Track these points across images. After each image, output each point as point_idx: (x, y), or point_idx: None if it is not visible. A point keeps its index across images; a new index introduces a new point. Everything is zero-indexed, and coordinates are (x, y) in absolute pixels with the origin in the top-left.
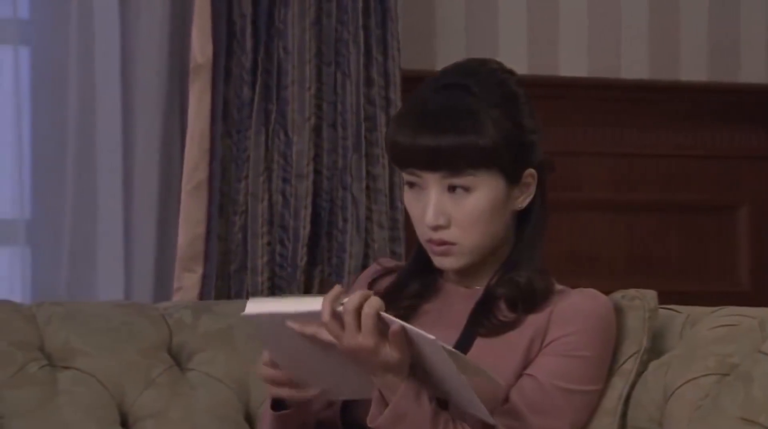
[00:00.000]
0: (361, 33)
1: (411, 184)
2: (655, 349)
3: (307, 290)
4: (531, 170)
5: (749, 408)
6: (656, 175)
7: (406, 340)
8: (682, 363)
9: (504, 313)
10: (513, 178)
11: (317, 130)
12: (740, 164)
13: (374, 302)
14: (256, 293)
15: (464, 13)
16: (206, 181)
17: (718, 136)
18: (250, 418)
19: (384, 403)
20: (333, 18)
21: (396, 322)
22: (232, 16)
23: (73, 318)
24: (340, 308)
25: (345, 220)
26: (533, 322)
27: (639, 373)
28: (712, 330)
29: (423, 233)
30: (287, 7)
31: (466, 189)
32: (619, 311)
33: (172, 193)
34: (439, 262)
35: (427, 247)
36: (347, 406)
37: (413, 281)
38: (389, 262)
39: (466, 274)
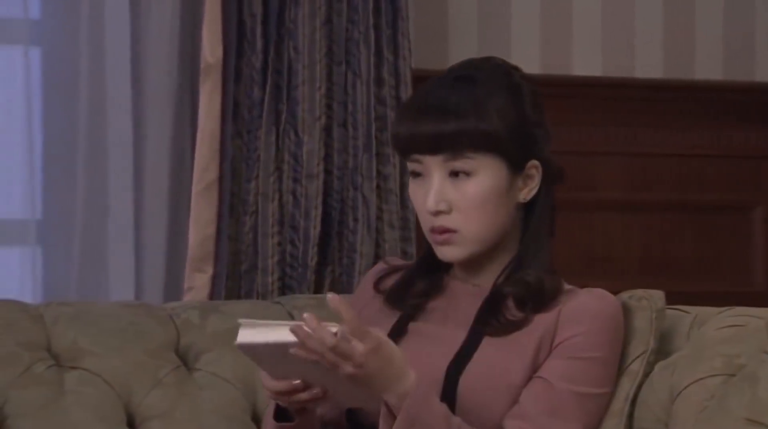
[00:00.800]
0: (372, 32)
1: (414, 175)
2: (663, 349)
3: (317, 290)
4: (535, 162)
5: (755, 409)
6: (670, 174)
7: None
8: (688, 363)
9: (512, 312)
10: (516, 167)
11: (328, 130)
12: (755, 164)
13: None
14: (266, 294)
15: (477, 12)
16: (217, 182)
17: (733, 136)
18: (257, 419)
19: (392, 416)
20: (343, 17)
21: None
22: (243, 16)
23: (80, 318)
24: (334, 329)
25: (356, 220)
26: (542, 322)
27: (646, 374)
28: (719, 330)
29: (426, 222)
30: (298, 7)
31: (468, 173)
32: (626, 311)
33: (183, 194)
34: (441, 252)
35: (430, 237)
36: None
37: (420, 279)
38: (396, 261)
39: (471, 270)
